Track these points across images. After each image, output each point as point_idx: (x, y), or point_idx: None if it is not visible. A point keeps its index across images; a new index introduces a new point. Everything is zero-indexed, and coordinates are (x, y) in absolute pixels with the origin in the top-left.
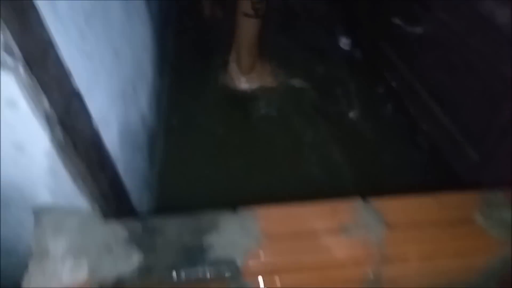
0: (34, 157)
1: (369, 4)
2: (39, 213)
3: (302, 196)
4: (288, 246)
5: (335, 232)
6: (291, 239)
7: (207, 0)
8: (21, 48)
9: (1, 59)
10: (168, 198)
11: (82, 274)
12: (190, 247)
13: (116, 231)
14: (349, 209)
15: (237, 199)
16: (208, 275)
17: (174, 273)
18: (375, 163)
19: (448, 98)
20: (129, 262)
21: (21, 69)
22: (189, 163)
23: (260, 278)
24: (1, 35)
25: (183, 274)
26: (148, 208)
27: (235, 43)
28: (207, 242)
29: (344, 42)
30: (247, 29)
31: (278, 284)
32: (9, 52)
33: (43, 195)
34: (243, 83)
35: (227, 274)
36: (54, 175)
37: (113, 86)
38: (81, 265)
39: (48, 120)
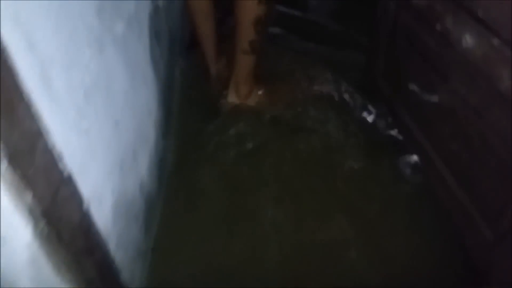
0: (14, 249)
1: (386, 66)
2: None
3: None
4: None
5: None
6: None
7: (213, 60)
8: (6, 145)
9: None
10: (163, 275)
11: None
12: None
13: None
14: None
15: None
16: None
17: None
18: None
19: (463, 170)
20: None
21: (4, 166)
22: (190, 235)
23: None
24: None
25: None
26: (141, 285)
27: (234, 76)
28: None
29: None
30: (244, 63)
31: None
32: None
33: (24, 284)
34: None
35: None
36: (35, 266)
37: (110, 157)
38: None
39: (30, 213)
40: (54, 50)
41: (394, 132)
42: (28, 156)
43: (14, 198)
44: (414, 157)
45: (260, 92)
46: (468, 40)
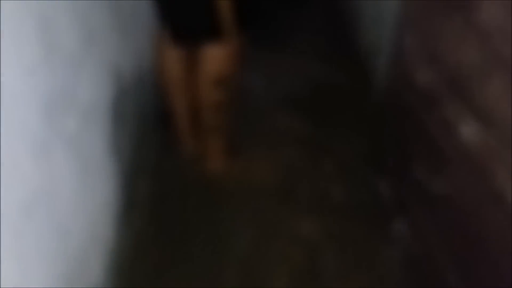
0: None
1: (393, 144)
2: None
3: None
4: None
5: None
6: None
7: (186, 133)
8: None
9: None
10: None
11: None
12: None
13: None
14: None
15: None
16: None
17: None
18: None
19: (462, 263)
20: None
21: None
22: None
23: None
24: None
25: None
26: None
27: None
28: None
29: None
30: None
31: None
32: None
33: None
34: None
35: None
36: None
37: (56, 271)
38: None
39: None
40: None
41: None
42: None
43: None
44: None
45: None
46: (465, 131)
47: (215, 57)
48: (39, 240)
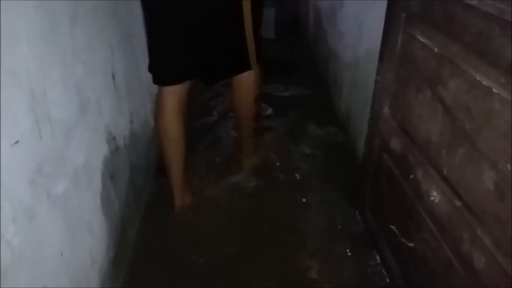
0: None
1: (372, 200)
2: None
3: None
4: None
5: None
6: None
7: (179, 187)
8: None
9: None
10: None
11: None
12: None
13: None
14: None
15: None
16: None
17: None
18: None
19: None
20: None
21: None
22: None
23: None
24: None
25: None
26: None
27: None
28: None
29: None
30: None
31: None
32: None
33: None
34: None
35: None
36: None
37: None
38: None
39: None
40: None
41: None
42: None
43: None
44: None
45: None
46: (435, 195)
47: (252, 81)
48: None
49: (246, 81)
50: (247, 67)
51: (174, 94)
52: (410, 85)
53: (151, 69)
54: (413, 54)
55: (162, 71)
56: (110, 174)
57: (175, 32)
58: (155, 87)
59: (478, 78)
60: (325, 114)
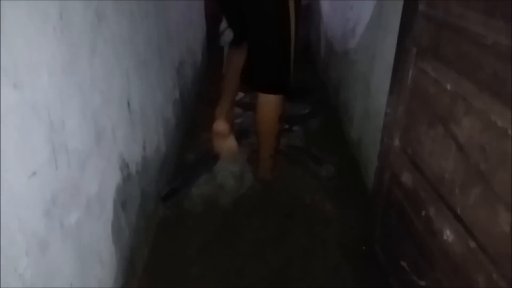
0: None
1: (382, 235)
2: None
3: None
4: None
5: None
6: None
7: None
8: None
9: None
10: None
11: None
12: None
13: None
14: None
15: None
16: None
17: None
18: None
19: None
20: None
21: None
22: None
23: None
24: None
25: None
26: None
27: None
28: None
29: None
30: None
31: None
32: None
33: None
34: None
35: None
36: None
37: None
38: None
39: None
40: None
41: None
42: None
43: None
44: None
45: None
46: (448, 234)
47: (278, 98)
48: None
49: (273, 99)
50: (282, 91)
51: (238, 49)
52: (422, 120)
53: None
54: (425, 89)
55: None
56: (121, 201)
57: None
58: (168, 112)
59: (493, 118)
60: (336, 141)
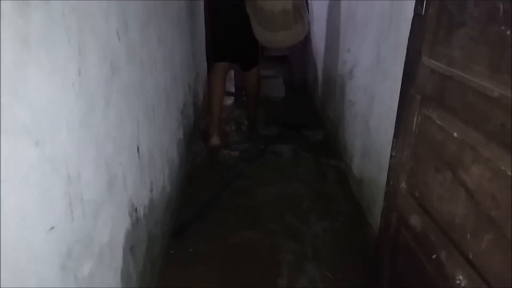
0: None
1: (391, 280)
2: None
3: None
4: None
5: None
6: None
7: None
8: None
9: None
10: None
11: None
12: None
13: None
14: None
15: None
16: None
17: None
18: None
19: None
20: None
21: None
22: None
23: None
24: None
25: None
26: None
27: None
28: None
29: None
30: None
31: None
32: None
33: None
34: None
35: None
36: None
37: None
38: None
39: None
40: None
41: None
42: None
43: None
44: None
45: None
46: (461, 279)
47: (257, 70)
48: None
49: (254, 72)
50: (256, 63)
51: (222, 67)
52: (429, 164)
53: (211, 52)
54: (431, 135)
55: (217, 53)
56: (130, 247)
57: (222, 32)
58: (172, 153)
59: (502, 168)
60: (337, 179)
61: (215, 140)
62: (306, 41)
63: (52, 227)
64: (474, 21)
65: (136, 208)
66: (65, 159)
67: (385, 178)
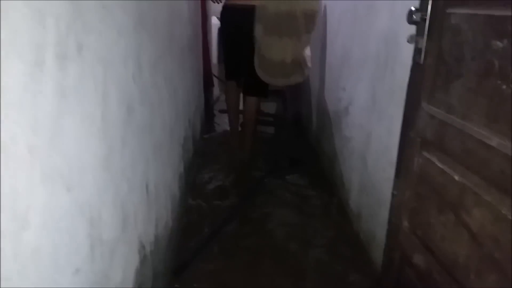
0: None
1: None
2: None
3: None
4: None
5: None
6: None
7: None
8: None
9: None
10: None
11: None
12: None
13: None
14: None
15: None
16: None
17: None
18: None
19: None
20: None
21: None
22: None
23: None
24: None
25: None
26: None
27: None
28: None
29: None
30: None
31: None
32: None
33: None
34: None
35: None
36: None
37: None
38: None
39: None
40: None
41: None
42: None
43: None
44: None
45: None
46: None
47: (257, 102)
48: None
49: (254, 100)
50: (259, 94)
51: (232, 84)
52: (431, 205)
53: (224, 72)
54: (432, 177)
55: (226, 72)
56: (138, 285)
57: (230, 54)
58: (174, 188)
59: (503, 212)
60: (335, 214)
61: (234, 143)
62: None
63: (78, 269)
64: (471, 74)
65: (144, 246)
66: (89, 202)
67: (384, 214)
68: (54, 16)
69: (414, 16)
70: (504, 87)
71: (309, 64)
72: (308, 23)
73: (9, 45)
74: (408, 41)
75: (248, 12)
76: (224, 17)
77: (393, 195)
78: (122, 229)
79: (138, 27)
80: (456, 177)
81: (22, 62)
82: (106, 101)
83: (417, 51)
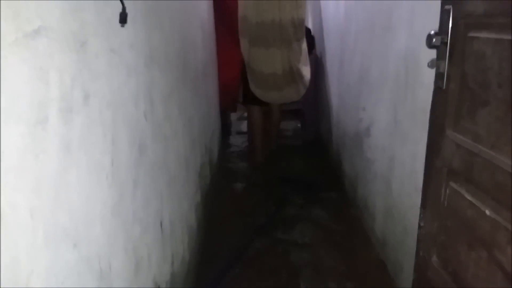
0: None
1: None
2: None
3: None
4: None
5: None
6: None
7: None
8: None
9: None
10: None
11: None
12: None
13: None
14: None
15: None
16: None
17: None
18: None
19: None
20: None
21: None
22: None
23: None
24: None
25: None
26: None
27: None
28: None
29: None
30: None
31: None
32: None
33: None
34: None
35: None
36: None
37: None
38: None
39: None
40: None
41: None
42: None
43: None
44: None
45: None
46: None
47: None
48: None
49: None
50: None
51: (254, 108)
52: (461, 240)
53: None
54: (461, 210)
55: (247, 97)
56: None
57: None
58: (191, 219)
59: None
60: (359, 241)
61: (259, 158)
62: (318, 94)
63: None
64: (499, 102)
65: (159, 286)
66: (98, 254)
67: (411, 243)
68: (58, 70)
69: (434, 40)
70: None
71: (308, 75)
72: (297, 31)
73: (8, 110)
74: (428, 66)
75: None
76: None
77: (419, 226)
78: (135, 274)
79: (148, 63)
80: (487, 212)
81: (23, 123)
82: (116, 145)
83: (438, 76)
